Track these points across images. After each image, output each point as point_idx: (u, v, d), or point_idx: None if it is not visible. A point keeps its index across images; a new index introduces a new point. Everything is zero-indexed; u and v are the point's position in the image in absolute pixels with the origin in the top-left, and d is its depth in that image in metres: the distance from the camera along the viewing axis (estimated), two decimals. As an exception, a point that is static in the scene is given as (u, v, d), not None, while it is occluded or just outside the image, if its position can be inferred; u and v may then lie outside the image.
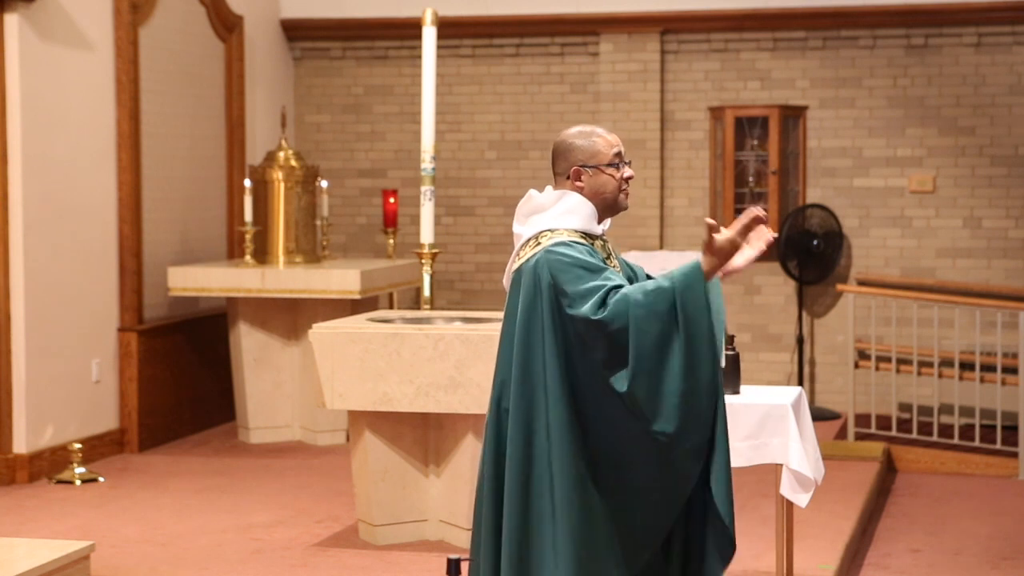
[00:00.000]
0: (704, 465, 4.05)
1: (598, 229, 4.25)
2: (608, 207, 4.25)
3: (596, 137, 4.24)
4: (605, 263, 4.17)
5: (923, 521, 7.82)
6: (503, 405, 4.19)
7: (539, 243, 4.17)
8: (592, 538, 4.07)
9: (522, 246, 4.24)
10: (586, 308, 3.99)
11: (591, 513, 4.06)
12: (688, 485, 4.04)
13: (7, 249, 8.12)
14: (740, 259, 4.05)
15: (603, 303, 4.00)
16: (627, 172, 4.25)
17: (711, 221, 3.99)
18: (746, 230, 3.98)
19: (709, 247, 3.97)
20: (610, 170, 4.22)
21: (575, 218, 4.20)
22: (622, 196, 4.26)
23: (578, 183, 4.23)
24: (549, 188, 4.30)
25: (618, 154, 4.24)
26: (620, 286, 4.04)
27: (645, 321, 3.96)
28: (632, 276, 4.38)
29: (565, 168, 4.25)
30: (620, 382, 3.99)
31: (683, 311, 3.97)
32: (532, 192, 4.30)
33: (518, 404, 4.12)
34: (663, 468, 4.02)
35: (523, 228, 4.27)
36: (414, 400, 6.57)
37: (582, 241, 4.17)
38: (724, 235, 3.96)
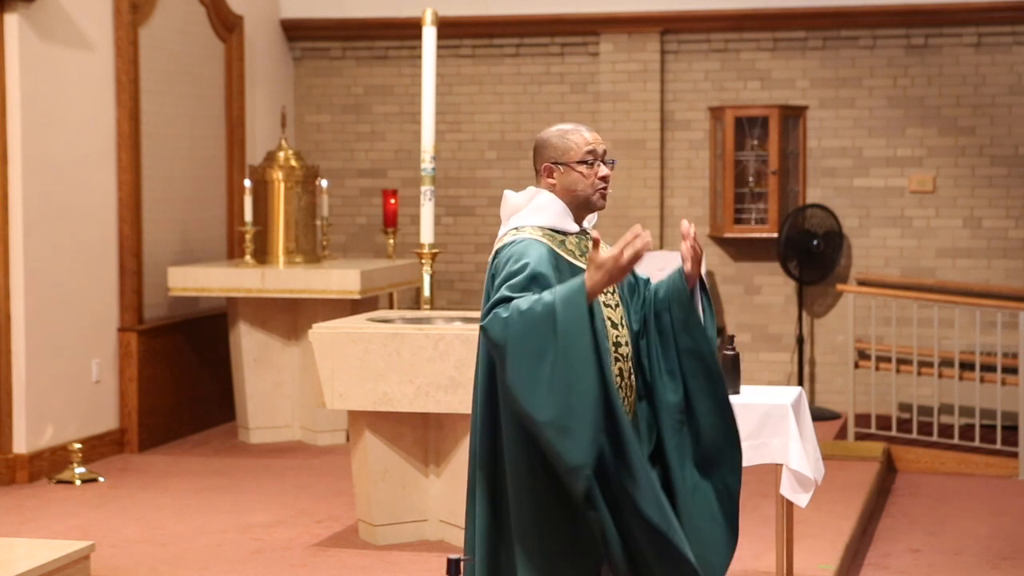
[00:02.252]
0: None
1: (572, 227, 4.22)
2: (581, 205, 4.23)
3: (571, 135, 4.22)
4: (569, 263, 4.14)
5: (923, 521, 7.82)
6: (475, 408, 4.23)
7: (503, 241, 4.20)
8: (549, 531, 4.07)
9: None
10: (483, 317, 4.01)
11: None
12: (575, 485, 3.87)
13: (7, 249, 8.12)
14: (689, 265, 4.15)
15: (490, 311, 3.96)
16: (602, 171, 4.22)
17: (595, 234, 3.92)
18: (629, 248, 3.86)
19: (592, 261, 3.87)
20: (581, 167, 4.20)
21: (543, 215, 4.19)
22: (596, 195, 4.22)
23: (549, 180, 4.23)
24: (531, 188, 4.30)
25: (592, 152, 4.21)
26: (513, 298, 3.94)
27: (522, 328, 3.87)
28: (635, 283, 4.37)
29: (539, 165, 4.26)
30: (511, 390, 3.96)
31: (561, 324, 3.84)
32: (507, 193, 4.31)
33: (481, 404, 4.16)
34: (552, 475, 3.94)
35: (503, 229, 4.29)
36: (414, 400, 6.57)
37: (539, 239, 4.13)
38: (606, 251, 3.86)
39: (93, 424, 8.76)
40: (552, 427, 3.84)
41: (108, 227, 8.94)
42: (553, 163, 4.21)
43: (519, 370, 3.86)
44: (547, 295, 3.90)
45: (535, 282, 3.98)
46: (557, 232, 4.19)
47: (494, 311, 3.93)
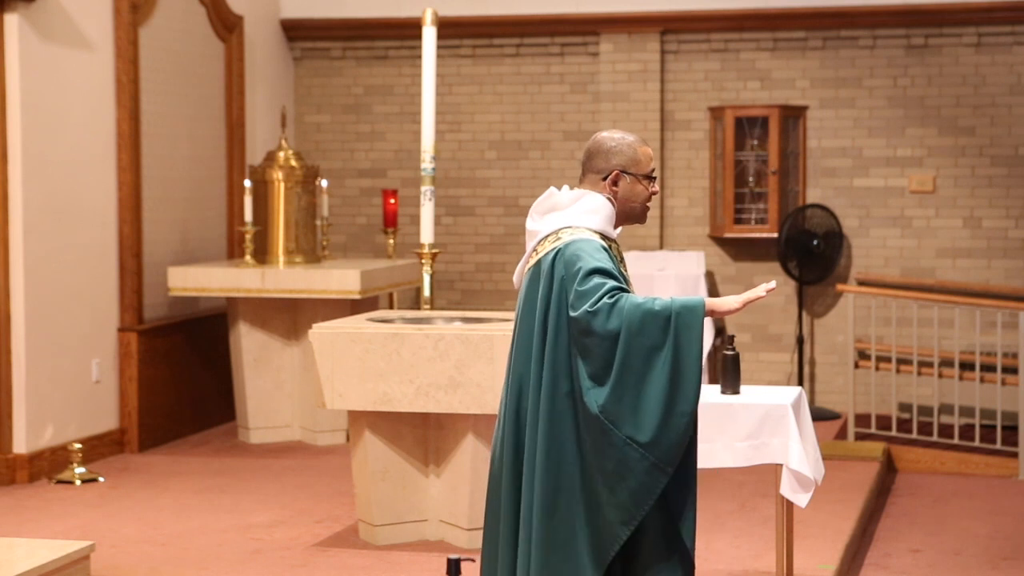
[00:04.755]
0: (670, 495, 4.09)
1: (614, 233, 4.27)
2: (631, 216, 4.30)
3: (640, 147, 4.31)
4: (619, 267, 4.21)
5: (923, 521, 7.82)
6: (522, 403, 4.19)
7: (559, 238, 4.19)
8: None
9: (540, 241, 4.24)
10: (585, 306, 4.02)
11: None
12: (648, 500, 4.03)
13: (7, 249, 8.12)
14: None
15: (599, 300, 4.02)
16: (654, 187, 4.31)
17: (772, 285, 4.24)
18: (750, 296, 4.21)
19: (736, 299, 4.17)
20: (646, 181, 4.28)
21: (596, 218, 4.23)
22: (646, 211, 4.32)
23: (614, 187, 4.26)
24: (566, 187, 4.32)
25: (653, 168, 4.32)
26: (624, 289, 4.09)
27: (639, 322, 4.00)
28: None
29: (603, 169, 4.26)
30: (597, 394, 4.03)
31: (675, 330, 4.01)
32: (552, 189, 4.32)
33: (536, 400, 4.13)
34: (626, 475, 4.02)
35: (539, 224, 4.29)
36: (414, 400, 6.57)
37: (602, 241, 4.18)
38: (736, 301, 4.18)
39: (93, 424, 8.76)
40: (654, 415, 4.01)
41: (108, 227, 8.94)
42: (623, 171, 4.24)
43: (629, 358, 4.00)
44: (664, 299, 4.07)
45: (614, 277, 4.11)
46: (604, 237, 4.22)
47: (607, 299, 4.01)
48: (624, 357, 3.99)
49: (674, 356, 4.00)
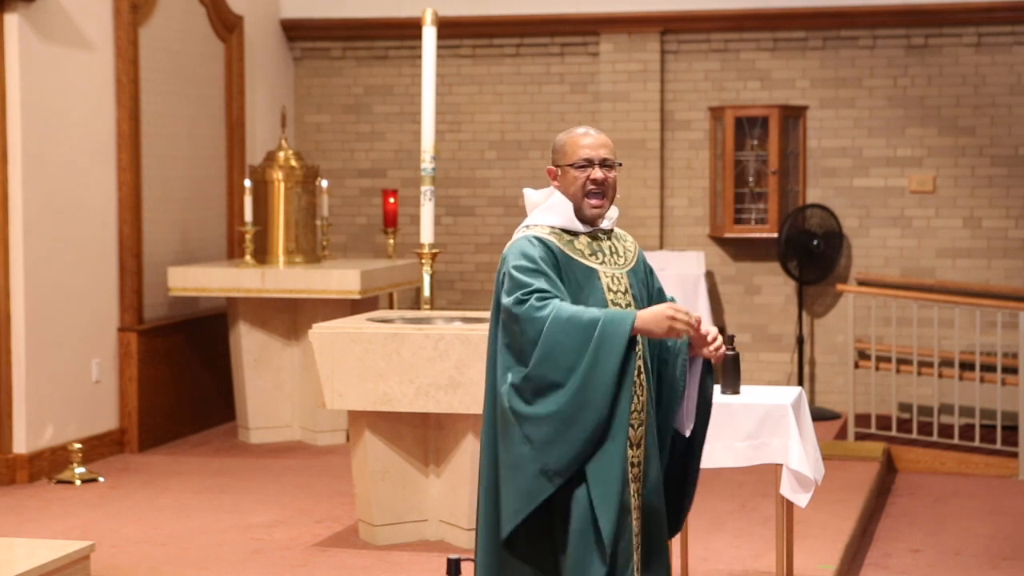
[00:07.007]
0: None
1: (580, 227, 4.26)
2: (576, 209, 4.27)
3: (571, 138, 4.29)
4: (578, 262, 4.19)
5: (923, 521, 7.82)
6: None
7: (513, 239, 4.29)
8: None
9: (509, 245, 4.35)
10: (510, 299, 4.08)
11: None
12: (533, 501, 4.07)
13: (7, 249, 8.12)
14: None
15: (525, 299, 4.05)
16: (596, 173, 4.23)
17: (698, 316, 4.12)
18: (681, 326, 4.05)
19: (668, 312, 4.02)
20: (574, 171, 4.24)
21: (552, 215, 4.27)
22: (586, 200, 4.23)
23: (554, 182, 4.31)
24: (550, 187, 4.39)
25: (587, 158, 4.22)
26: (551, 292, 4.08)
27: (559, 328, 4.01)
28: (647, 280, 4.38)
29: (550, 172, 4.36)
30: (515, 374, 4.09)
31: (597, 340, 3.99)
32: (526, 191, 4.39)
33: (487, 393, 4.24)
34: (518, 472, 4.09)
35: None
36: (414, 400, 6.57)
37: (546, 238, 4.19)
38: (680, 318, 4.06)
39: (93, 424, 8.76)
40: (554, 421, 4.02)
41: (108, 227, 8.94)
42: (555, 165, 4.28)
43: (545, 359, 4.01)
44: (595, 311, 4.03)
45: (541, 276, 4.10)
46: (567, 232, 4.23)
47: (533, 300, 4.04)
48: (541, 357, 4.01)
49: (588, 368, 3.99)
